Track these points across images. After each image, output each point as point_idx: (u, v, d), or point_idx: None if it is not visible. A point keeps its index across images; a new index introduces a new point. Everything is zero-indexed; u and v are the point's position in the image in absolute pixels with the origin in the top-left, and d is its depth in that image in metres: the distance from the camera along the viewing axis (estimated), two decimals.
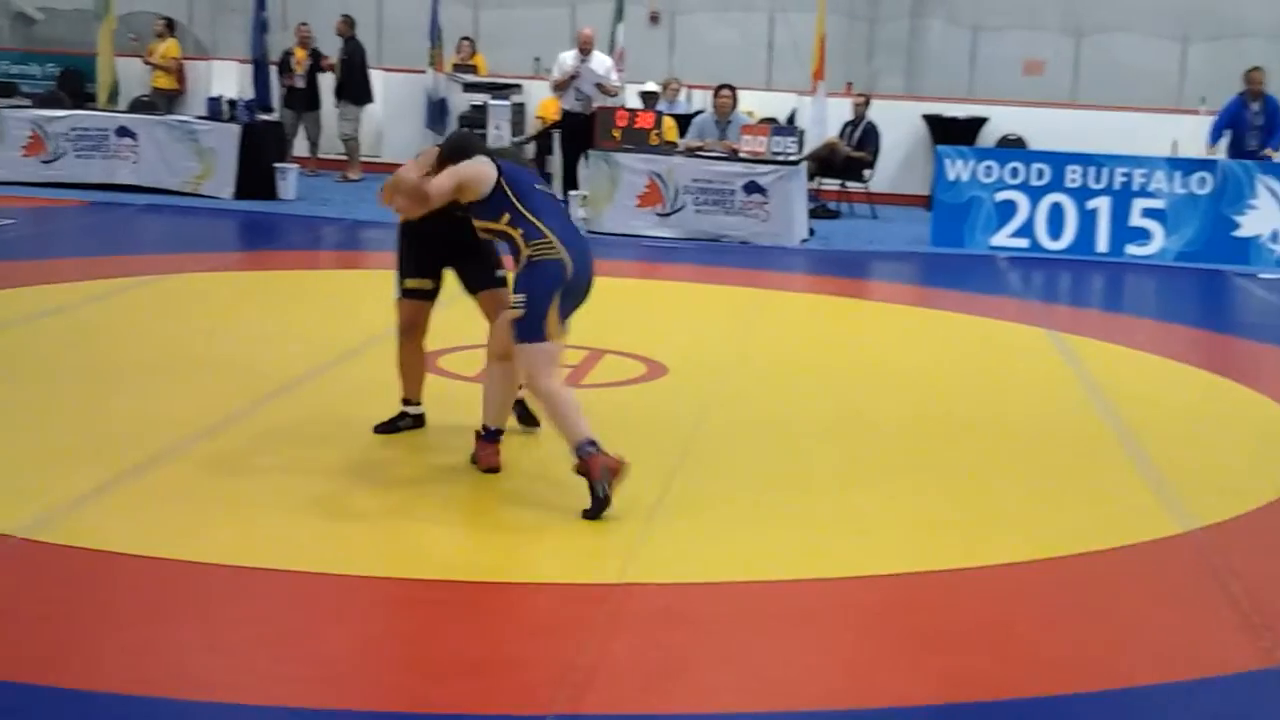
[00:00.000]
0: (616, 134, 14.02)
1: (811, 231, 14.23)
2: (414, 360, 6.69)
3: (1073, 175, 13.78)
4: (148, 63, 18.08)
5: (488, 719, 4.04)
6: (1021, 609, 5.09)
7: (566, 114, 15.27)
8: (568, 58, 15.21)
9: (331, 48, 17.13)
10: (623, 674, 4.34)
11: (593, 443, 5.68)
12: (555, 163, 15.85)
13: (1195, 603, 5.13)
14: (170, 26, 18.58)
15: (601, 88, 15.03)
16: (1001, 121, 17.35)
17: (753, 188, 13.65)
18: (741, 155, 13.81)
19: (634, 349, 8.57)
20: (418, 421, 6.78)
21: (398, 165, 6.78)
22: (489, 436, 6.22)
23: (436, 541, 5.43)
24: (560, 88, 15.24)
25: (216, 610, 4.69)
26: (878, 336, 10.13)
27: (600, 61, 15.20)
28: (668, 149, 14.17)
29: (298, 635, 4.54)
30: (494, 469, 6.17)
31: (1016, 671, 4.51)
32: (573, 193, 14.19)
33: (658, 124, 14.17)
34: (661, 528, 5.58)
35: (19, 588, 4.81)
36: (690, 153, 14.08)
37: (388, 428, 6.72)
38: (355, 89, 17.06)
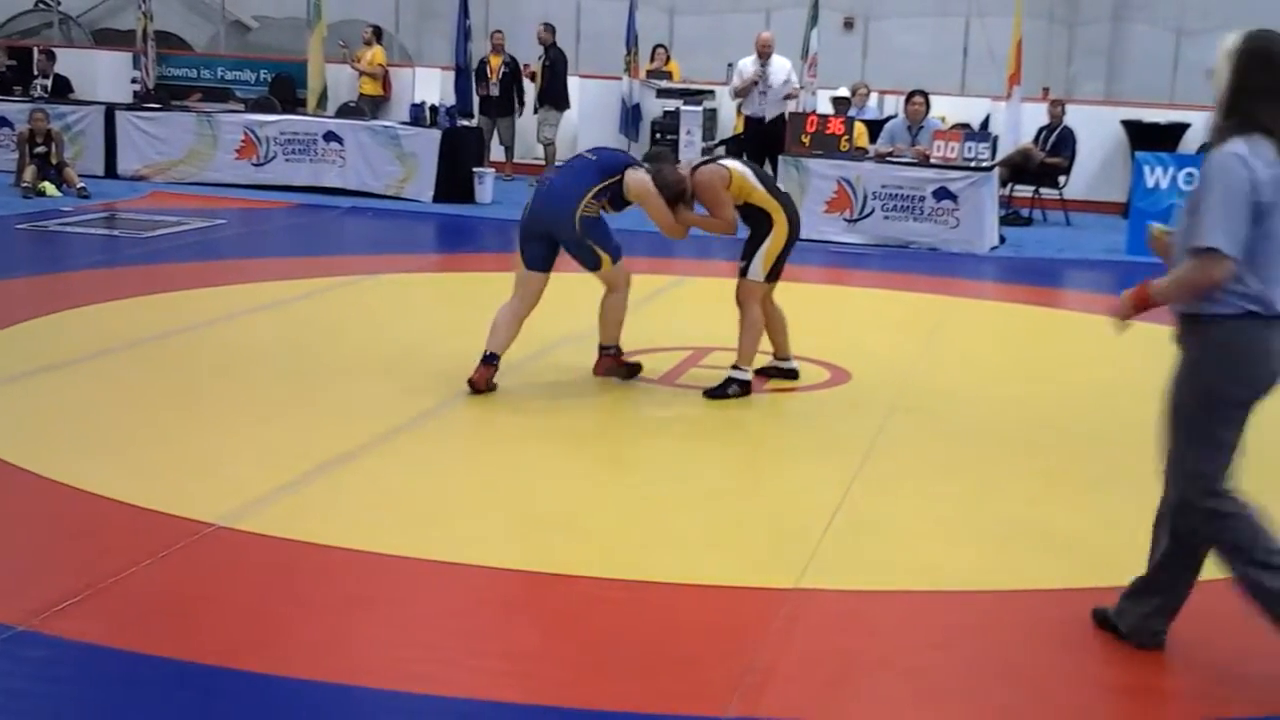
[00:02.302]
0: (806, 139, 14.04)
1: (1002, 239, 14.05)
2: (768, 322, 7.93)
3: None
4: (355, 69, 18.67)
5: (664, 718, 4.14)
6: (1209, 626, 4.99)
7: (749, 120, 15.35)
8: (747, 64, 15.29)
9: (531, 55, 17.49)
10: (799, 679, 4.39)
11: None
12: None
13: None
14: (377, 34, 19.12)
15: (788, 96, 15.15)
16: (1204, 127, 16.85)
17: (943, 194, 13.54)
18: (933, 161, 13.71)
19: (818, 355, 8.59)
20: (789, 374, 8.10)
21: None
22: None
23: (619, 541, 5.54)
24: (742, 94, 15.32)
25: (407, 603, 4.86)
26: (1068, 346, 9.97)
27: (781, 66, 15.25)
28: (858, 155, 14.14)
29: (486, 629, 4.70)
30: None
31: (1198, 689, 4.46)
32: None
33: (848, 129, 14.15)
34: (841, 534, 5.62)
35: (220, 575, 5.03)
36: (880, 158, 14.02)
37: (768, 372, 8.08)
38: (557, 94, 17.40)
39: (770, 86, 15.16)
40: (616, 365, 7.84)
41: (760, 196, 7.66)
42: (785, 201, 7.78)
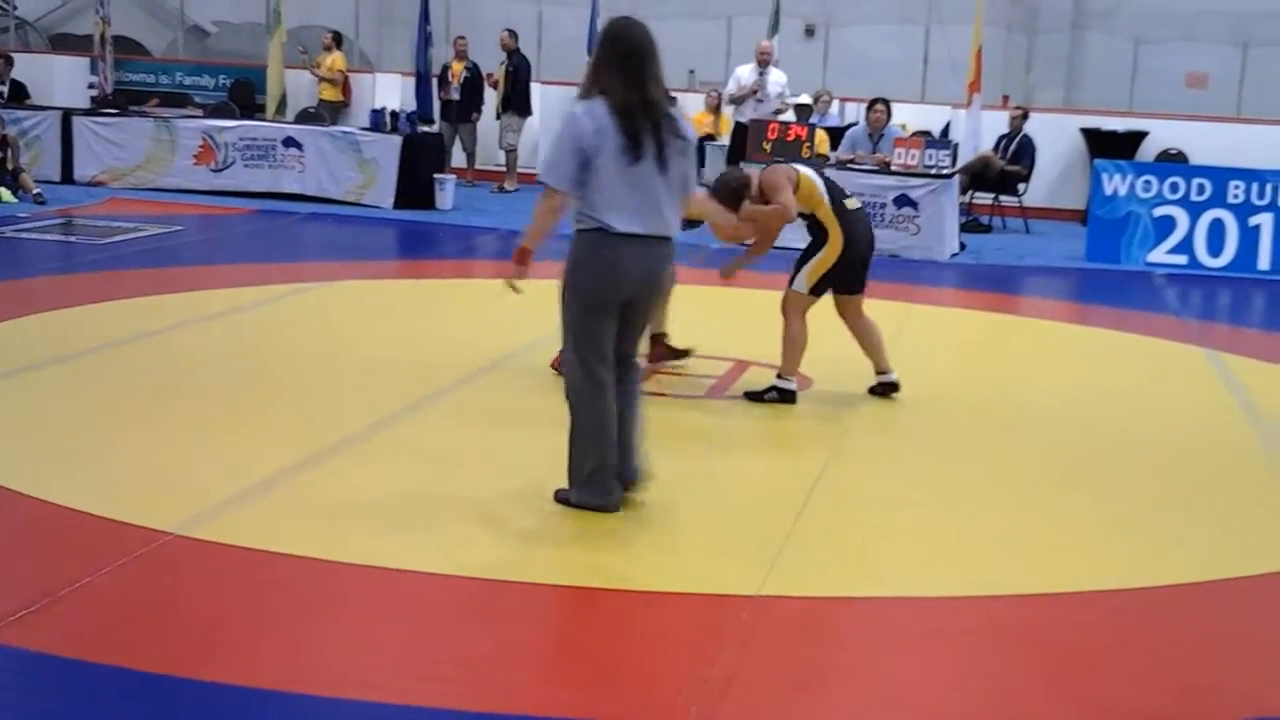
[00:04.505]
0: (767, 146, 14.06)
1: (962, 245, 14.12)
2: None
3: (1235, 191, 13.47)
4: (315, 75, 18.59)
5: None
6: (1165, 633, 5.02)
7: (739, 125, 15.44)
8: (745, 72, 15.39)
9: (493, 61, 17.45)
10: (758, 686, 4.38)
11: None
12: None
13: None
14: (337, 40, 19.06)
15: (777, 111, 15.24)
16: (1162, 135, 17.00)
17: (903, 201, 13.59)
18: (893, 168, 13.75)
19: (779, 361, 8.59)
20: (890, 388, 7.99)
21: None
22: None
23: (576, 549, 5.51)
24: (739, 102, 15.41)
25: (363, 610, 4.82)
26: (1028, 353, 10.02)
27: (778, 78, 15.38)
28: (819, 162, 14.15)
29: (441, 637, 4.66)
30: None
31: (1156, 697, 4.46)
32: None
33: (810, 136, 14.17)
34: (802, 540, 5.61)
35: (173, 584, 4.98)
36: (842, 165, 14.05)
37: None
38: (520, 101, 17.37)
39: (767, 95, 15.26)
40: (666, 351, 8.23)
41: (824, 212, 7.68)
42: (847, 220, 7.72)
